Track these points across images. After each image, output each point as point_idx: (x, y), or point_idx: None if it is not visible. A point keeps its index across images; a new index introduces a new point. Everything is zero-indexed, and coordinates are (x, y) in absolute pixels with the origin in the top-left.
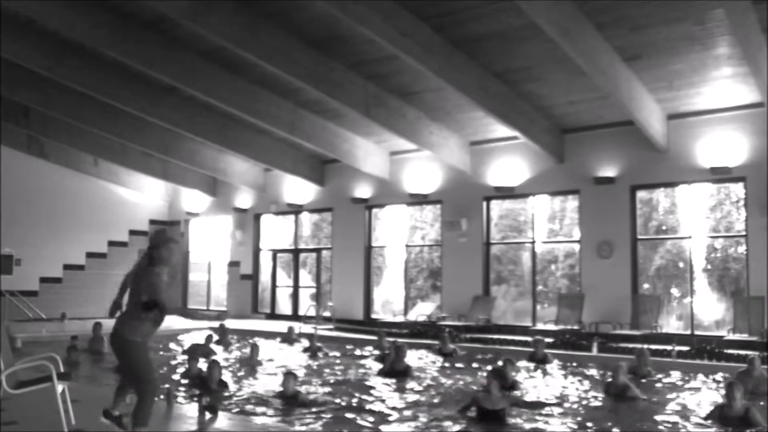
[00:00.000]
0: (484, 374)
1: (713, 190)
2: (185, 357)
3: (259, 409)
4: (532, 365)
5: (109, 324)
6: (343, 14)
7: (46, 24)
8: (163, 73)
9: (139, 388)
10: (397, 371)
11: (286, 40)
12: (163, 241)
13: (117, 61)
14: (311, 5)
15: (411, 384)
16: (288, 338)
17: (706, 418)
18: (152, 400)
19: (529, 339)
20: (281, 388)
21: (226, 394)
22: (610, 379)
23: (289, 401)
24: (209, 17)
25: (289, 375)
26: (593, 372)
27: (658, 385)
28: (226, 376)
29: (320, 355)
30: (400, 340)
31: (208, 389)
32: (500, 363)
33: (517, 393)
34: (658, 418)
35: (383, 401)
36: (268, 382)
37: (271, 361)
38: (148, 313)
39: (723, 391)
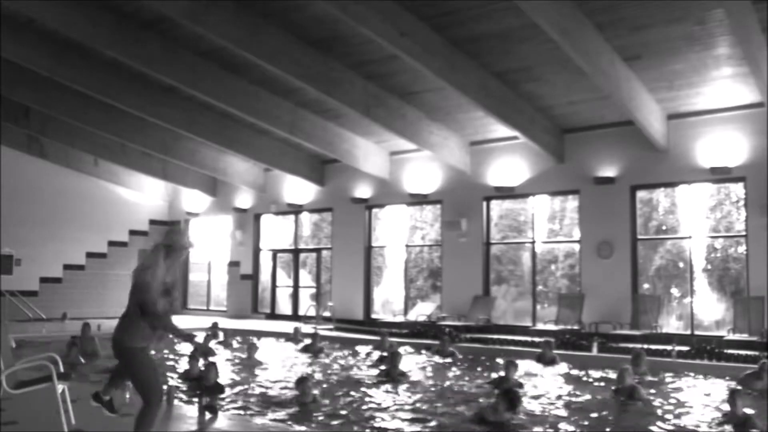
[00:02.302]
0: (488, 380)
1: (713, 190)
2: (187, 357)
3: (259, 409)
4: (540, 367)
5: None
6: (343, 14)
7: (46, 24)
8: (163, 73)
9: (145, 396)
10: (392, 377)
11: (286, 40)
12: (170, 241)
13: (117, 61)
14: (311, 5)
15: (409, 386)
16: (294, 339)
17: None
18: (158, 408)
19: (529, 339)
20: (297, 393)
21: (221, 396)
22: (617, 385)
23: (303, 405)
24: (209, 17)
25: (303, 380)
26: (600, 374)
27: (658, 386)
28: (227, 375)
29: (323, 355)
30: (394, 340)
31: (207, 389)
32: (501, 364)
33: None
34: (665, 424)
35: (382, 403)
36: (268, 383)
37: (263, 360)
38: (148, 320)
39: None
